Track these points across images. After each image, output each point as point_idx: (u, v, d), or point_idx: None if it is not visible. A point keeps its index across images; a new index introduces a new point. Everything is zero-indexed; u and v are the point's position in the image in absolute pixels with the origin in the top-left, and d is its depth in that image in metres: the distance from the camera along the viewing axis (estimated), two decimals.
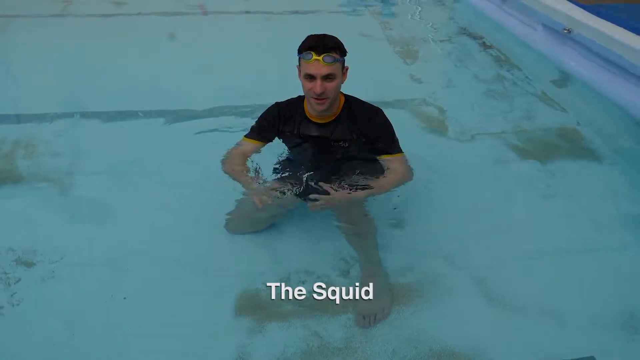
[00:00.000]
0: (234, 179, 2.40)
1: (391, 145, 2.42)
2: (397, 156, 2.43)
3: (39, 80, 4.35)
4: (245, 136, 2.55)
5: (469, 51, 5.11)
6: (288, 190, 2.42)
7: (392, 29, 5.83)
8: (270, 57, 4.80)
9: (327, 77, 2.24)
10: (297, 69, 2.34)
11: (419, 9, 6.64)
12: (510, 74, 4.51)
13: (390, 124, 2.45)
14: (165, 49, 5.17)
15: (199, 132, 3.50)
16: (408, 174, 2.42)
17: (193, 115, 3.71)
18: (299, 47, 2.29)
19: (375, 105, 2.50)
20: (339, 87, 2.33)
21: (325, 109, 2.33)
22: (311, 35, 2.30)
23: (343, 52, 2.30)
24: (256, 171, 2.49)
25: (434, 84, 4.36)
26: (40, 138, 3.39)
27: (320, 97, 2.27)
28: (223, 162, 2.48)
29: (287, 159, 2.61)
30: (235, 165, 2.44)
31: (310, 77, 2.25)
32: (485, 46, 5.18)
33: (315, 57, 2.21)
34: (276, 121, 2.49)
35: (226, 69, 4.56)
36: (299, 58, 2.29)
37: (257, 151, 2.53)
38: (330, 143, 2.45)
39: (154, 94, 4.00)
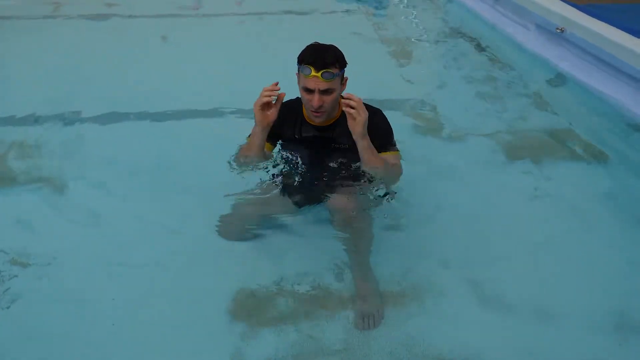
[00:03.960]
0: (247, 151, 2.42)
1: (387, 143, 2.41)
2: (391, 153, 2.41)
3: (31, 82, 4.34)
4: (248, 137, 2.51)
5: (462, 51, 5.12)
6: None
7: (385, 30, 5.83)
8: (264, 57, 4.80)
9: (326, 92, 2.23)
10: (296, 75, 2.32)
11: (412, 9, 6.65)
12: (503, 74, 4.52)
13: (389, 124, 2.45)
14: (158, 50, 5.16)
15: (193, 134, 3.50)
16: (397, 170, 2.41)
17: (187, 116, 3.70)
18: (299, 56, 2.26)
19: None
20: (337, 98, 2.31)
21: (323, 120, 2.34)
22: (311, 46, 2.27)
23: (343, 65, 2.27)
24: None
25: (427, 84, 4.36)
26: (33, 140, 3.37)
27: (318, 111, 2.27)
28: (235, 159, 2.49)
29: (287, 161, 2.59)
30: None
31: (309, 91, 2.24)
32: (478, 46, 5.19)
33: (314, 73, 2.18)
34: (277, 122, 2.44)
35: (220, 70, 4.55)
36: (298, 68, 2.27)
37: (269, 153, 2.50)
38: (330, 146, 2.44)
39: (147, 96, 3.99)
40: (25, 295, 2.24)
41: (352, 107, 2.18)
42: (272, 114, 2.30)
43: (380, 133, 2.38)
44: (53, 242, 2.52)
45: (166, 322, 2.15)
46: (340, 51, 2.29)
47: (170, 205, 2.76)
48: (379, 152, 2.36)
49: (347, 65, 2.30)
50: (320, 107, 2.24)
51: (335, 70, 2.21)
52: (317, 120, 2.34)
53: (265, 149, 2.44)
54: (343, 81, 2.32)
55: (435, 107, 3.87)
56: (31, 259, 2.41)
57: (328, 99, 2.24)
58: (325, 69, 2.19)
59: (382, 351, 2.02)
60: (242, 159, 2.45)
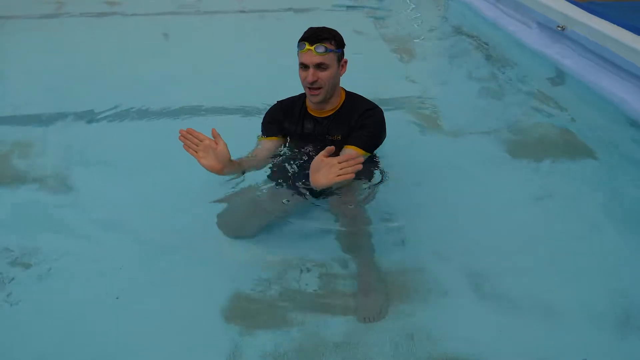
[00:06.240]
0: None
1: (362, 143, 2.38)
2: (359, 151, 2.38)
3: (33, 80, 4.35)
4: (259, 136, 2.58)
5: (463, 49, 5.11)
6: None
7: (387, 27, 5.84)
8: (265, 55, 4.80)
9: (320, 67, 2.26)
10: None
11: (413, 7, 6.65)
12: (504, 72, 4.51)
13: (381, 125, 2.44)
14: (160, 48, 5.17)
15: None
16: None
17: (188, 114, 3.70)
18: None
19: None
20: (333, 78, 2.33)
21: (320, 100, 2.35)
22: (311, 27, 2.34)
23: (339, 44, 2.32)
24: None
25: (428, 82, 4.35)
26: (35, 139, 3.38)
27: (313, 87, 2.30)
28: None
29: (284, 155, 2.60)
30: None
31: (304, 67, 2.29)
32: (479, 44, 5.19)
33: (308, 47, 2.25)
34: (280, 115, 2.52)
35: (221, 68, 4.56)
36: (297, 50, 2.33)
37: (276, 148, 2.53)
38: (325, 138, 2.45)
39: (148, 94, 3.99)
40: (27, 294, 2.24)
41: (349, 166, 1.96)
42: (213, 159, 2.14)
43: (366, 132, 2.39)
44: (53, 241, 2.52)
45: (167, 318, 2.15)
46: (338, 33, 2.34)
47: (171, 203, 2.76)
48: (352, 144, 2.36)
49: (344, 46, 2.35)
50: (315, 82, 2.28)
51: (329, 46, 2.27)
52: (314, 100, 2.35)
53: (274, 142, 2.50)
54: (341, 62, 2.35)
55: (436, 104, 3.87)
56: (34, 258, 2.41)
57: (323, 75, 2.28)
58: (318, 42, 2.25)
59: (384, 345, 2.02)
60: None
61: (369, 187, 2.49)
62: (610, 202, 2.83)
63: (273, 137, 2.52)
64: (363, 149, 2.39)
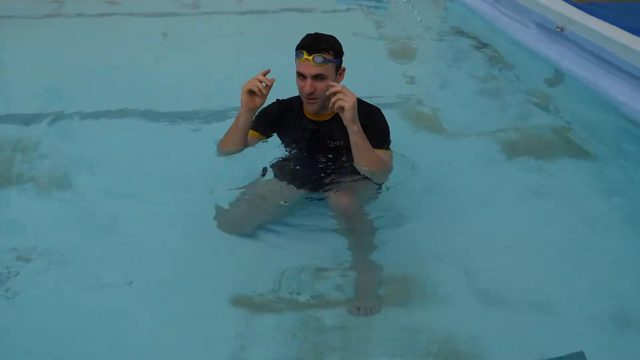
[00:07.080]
0: (226, 137, 2.43)
1: (380, 142, 2.39)
2: (383, 151, 2.39)
3: (32, 80, 4.34)
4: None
5: (462, 50, 5.12)
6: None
7: (386, 28, 5.85)
8: (264, 56, 4.77)
9: (318, 77, 2.24)
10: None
11: (413, 8, 6.66)
12: (503, 73, 4.53)
13: (386, 124, 2.45)
14: (159, 48, 5.18)
15: (192, 133, 3.50)
16: (387, 166, 2.40)
17: (187, 114, 3.71)
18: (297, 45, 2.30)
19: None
20: None
21: (317, 108, 2.34)
22: (309, 34, 2.31)
23: (338, 53, 2.29)
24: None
25: (427, 83, 4.37)
26: (34, 138, 3.38)
27: (310, 97, 2.28)
28: (217, 148, 2.48)
29: (283, 156, 2.61)
30: None
31: (301, 76, 2.27)
32: (478, 45, 5.20)
33: (306, 56, 2.22)
34: (275, 115, 2.50)
35: (219, 68, 4.56)
36: (295, 57, 2.30)
37: (253, 142, 2.50)
38: (325, 141, 2.45)
39: (148, 94, 4.00)
40: (28, 292, 2.25)
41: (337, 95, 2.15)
42: (259, 100, 2.30)
43: (377, 133, 2.39)
44: (53, 241, 2.51)
45: (168, 318, 2.16)
46: (337, 41, 2.31)
47: (171, 202, 2.76)
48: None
49: (343, 55, 2.32)
50: (312, 93, 2.26)
51: (328, 56, 2.24)
52: (311, 108, 2.34)
53: (254, 137, 2.46)
54: (339, 71, 2.34)
55: (435, 105, 3.87)
56: (34, 257, 2.41)
57: (320, 85, 2.25)
58: (317, 52, 2.22)
59: (381, 344, 2.03)
60: (222, 150, 2.45)
61: (370, 189, 2.50)
62: (608, 201, 2.84)
63: (257, 133, 2.49)
64: (382, 148, 2.39)
